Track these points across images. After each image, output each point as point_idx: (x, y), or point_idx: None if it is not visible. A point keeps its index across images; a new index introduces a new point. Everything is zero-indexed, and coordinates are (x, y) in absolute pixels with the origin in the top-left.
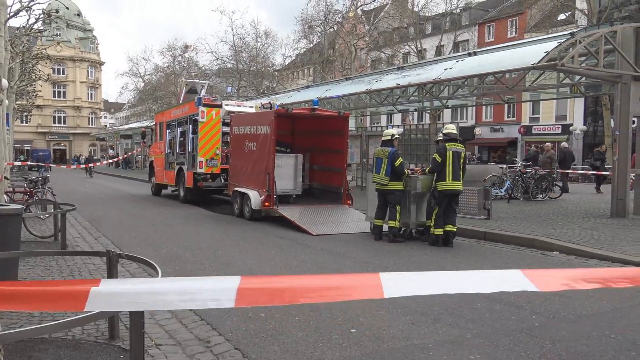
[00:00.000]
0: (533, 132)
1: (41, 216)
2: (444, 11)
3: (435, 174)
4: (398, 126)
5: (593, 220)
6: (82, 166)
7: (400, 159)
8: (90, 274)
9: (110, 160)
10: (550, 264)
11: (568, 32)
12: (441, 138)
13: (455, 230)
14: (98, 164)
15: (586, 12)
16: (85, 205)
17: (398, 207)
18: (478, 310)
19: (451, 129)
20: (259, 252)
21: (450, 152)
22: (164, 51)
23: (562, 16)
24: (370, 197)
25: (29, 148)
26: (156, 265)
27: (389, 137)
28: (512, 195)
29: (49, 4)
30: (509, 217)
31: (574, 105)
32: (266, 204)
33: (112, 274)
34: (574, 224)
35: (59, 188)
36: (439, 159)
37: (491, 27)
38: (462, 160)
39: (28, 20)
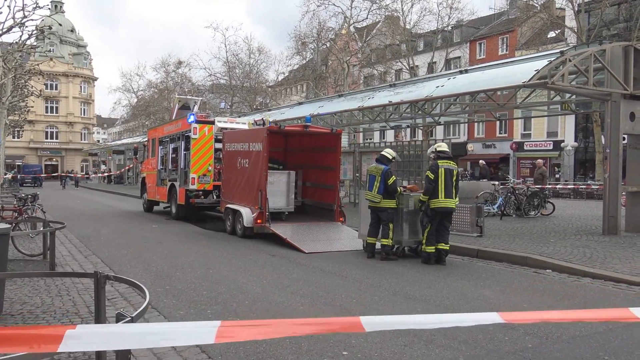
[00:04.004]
0: (525, 148)
1: (30, 234)
2: (435, 28)
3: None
4: (391, 143)
5: (585, 237)
6: (71, 182)
7: (394, 177)
8: (78, 294)
9: (94, 175)
10: (543, 282)
11: (558, 50)
12: (433, 152)
13: (447, 248)
14: (87, 176)
15: (575, 30)
16: (76, 222)
17: (391, 225)
18: (471, 332)
19: (443, 146)
20: (251, 270)
21: (443, 169)
22: (157, 67)
23: (552, 34)
24: (363, 214)
25: (20, 163)
26: (144, 288)
27: (389, 156)
28: (505, 212)
29: (42, 20)
30: (501, 235)
31: (565, 121)
32: (258, 221)
33: (99, 295)
34: (566, 242)
35: (49, 204)
36: (431, 176)
37: (482, 45)
38: (454, 178)
39: (21, 36)
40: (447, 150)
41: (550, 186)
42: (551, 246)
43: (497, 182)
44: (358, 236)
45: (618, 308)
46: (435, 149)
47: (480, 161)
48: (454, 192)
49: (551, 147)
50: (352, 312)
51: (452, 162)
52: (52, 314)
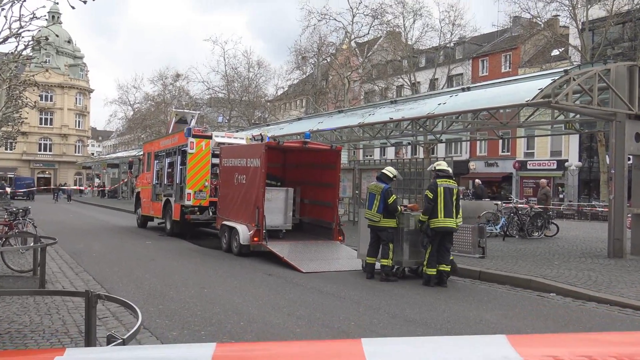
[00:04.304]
0: (528, 167)
1: (20, 250)
2: (437, 45)
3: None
4: (392, 160)
5: (590, 260)
6: (64, 196)
7: (394, 196)
8: (68, 313)
9: (89, 188)
10: (547, 307)
11: (562, 69)
12: (432, 170)
13: (449, 269)
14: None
15: (579, 49)
16: (68, 237)
17: (391, 245)
18: None
19: (443, 165)
20: (247, 290)
21: (442, 188)
22: (154, 79)
23: (555, 52)
24: (362, 233)
25: (12, 176)
26: (136, 308)
27: (390, 175)
28: (508, 233)
29: (39, 31)
30: (504, 256)
31: (569, 141)
32: (255, 239)
33: (90, 315)
34: (571, 264)
35: (41, 218)
36: (430, 195)
37: (485, 62)
38: (454, 197)
39: (17, 47)
40: (447, 168)
41: (554, 207)
42: (555, 269)
43: (499, 202)
44: (357, 256)
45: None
46: (435, 167)
47: (476, 180)
48: (454, 211)
49: (555, 167)
50: (350, 335)
51: (451, 181)
52: (41, 333)
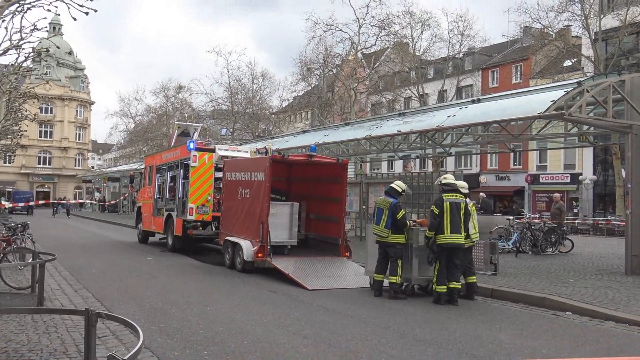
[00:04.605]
0: (541, 180)
1: (19, 266)
2: (446, 55)
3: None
4: (400, 174)
5: (607, 277)
6: (63, 210)
7: (403, 211)
8: (67, 332)
9: (90, 202)
10: (562, 326)
11: (575, 80)
12: (439, 182)
13: (459, 287)
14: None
15: (593, 59)
16: (67, 253)
17: (399, 261)
18: None
19: (449, 178)
20: (251, 308)
21: (448, 203)
22: (156, 91)
23: (568, 63)
24: (370, 249)
25: (10, 189)
26: (137, 327)
27: (399, 189)
28: (520, 249)
29: (40, 42)
30: (517, 273)
31: (582, 153)
32: (259, 255)
33: (90, 334)
34: (587, 282)
35: (40, 233)
36: (436, 211)
37: (495, 73)
38: (462, 212)
39: (17, 58)
40: (453, 182)
41: (568, 222)
42: (570, 286)
43: (511, 217)
44: (365, 273)
45: None
46: (440, 181)
47: (481, 194)
48: (461, 227)
49: (568, 180)
50: (358, 355)
51: (458, 195)
52: (39, 352)
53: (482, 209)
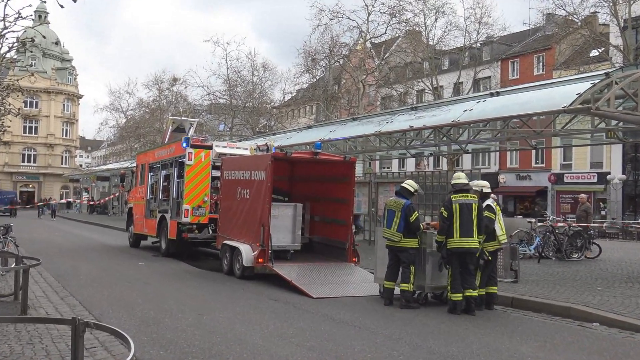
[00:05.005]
0: (565, 180)
1: (1, 272)
2: (462, 45)
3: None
4: (412, 173)
5: (638, 285)
6: (48, 212)
7: (416, 214)
8: (52, 342)
9: (78, 201)
10: (589, 338)
11: (602, 71)
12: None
13: (476, 295)
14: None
15: (621, 49)
16: (53, 258)
17: (412, 268)
18: None
19: (460, 178)
20: (250, 317)
21: (457, 205)
22: (149, 84)
23: (594, 52)
24: (379, 254)
25: None
26: (128, 337)
27: (411, 189)
28: (543, 254)
29: (25, 31)
30: (539, 280)
31: (610, 151)
32: (260, 260)
33: (77, 345)
34: (616, 290)
35: (24, 236)
36: (445, 213)
37: (515, 63)
38: (475, 213)
39: (0, 49)
40: (462, 181)
41: (595, 225)
42: (598, 295)
43: (533, 220)
44: (374, 280)
45: None
46: (451, 182)
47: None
48: (474, 229)
49: (595, 180)
50: None
51: (469, 196)
52: None
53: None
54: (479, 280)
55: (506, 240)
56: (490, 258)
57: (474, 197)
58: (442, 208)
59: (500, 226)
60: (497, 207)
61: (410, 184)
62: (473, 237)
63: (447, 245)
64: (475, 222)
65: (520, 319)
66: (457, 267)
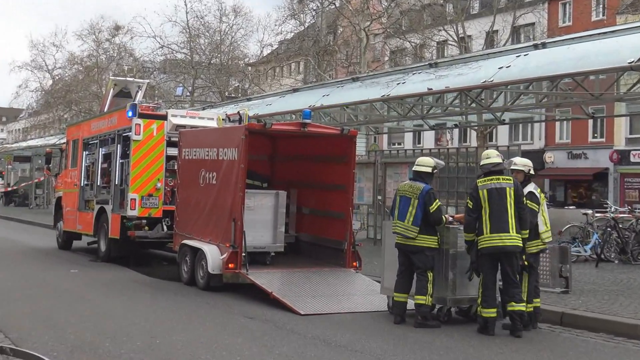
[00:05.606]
0: (631, 160)
1: None
2: None
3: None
4: (431, 150)
5: None
6: None
7: (438, 202)
8: None
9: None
10: None
11: None
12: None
13: (523, 309)
14: None
15: None
16: None
17: (430, 275)
18: None
19: (490, 156)
20: (218, 340)
21: (485, 191)
22: (83, 34)
23: None
24: (387, 257)
25: None
26: None
27: (427, 169)
28: (603, 256)
29: None
30: (597, 290)
31: None
32: (230, 265)
33: None
34: None
35: None
36: (470, 204)
37: (567, 6)
38: (510, 200)
39: None
40: (494, 160)
41: None
42: None
43: (590, 211)
44: (380, 290)
45: None
46: (480, 162)
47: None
48: (510, 221)
49: None
50: None
51: (502, 178)
52: None
53: None
54: (526, 290)
55: (551, 239)
56: (527, 262)
57: (508, 179)
58: (468, 198)
59: (544, 220)
60: (542, 195)
61: (425, 163)
62: (509, 232)
63: (478, 244)
64: (511, 212)
65: (572, 341)
66: (490, 274)
